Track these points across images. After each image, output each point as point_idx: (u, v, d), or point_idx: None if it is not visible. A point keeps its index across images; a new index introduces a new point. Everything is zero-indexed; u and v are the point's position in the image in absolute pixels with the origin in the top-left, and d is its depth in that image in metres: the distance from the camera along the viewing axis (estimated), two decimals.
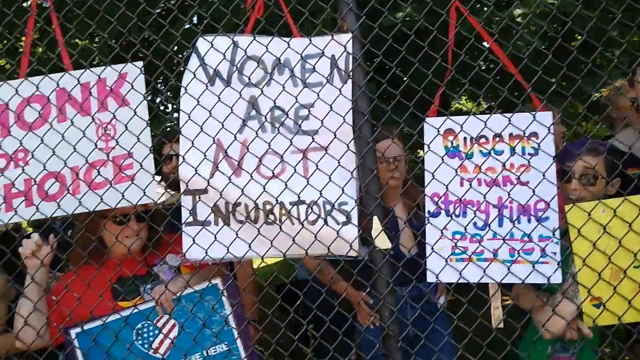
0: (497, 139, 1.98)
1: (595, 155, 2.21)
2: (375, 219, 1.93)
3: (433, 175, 1.96)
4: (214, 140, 1.98)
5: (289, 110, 2.01)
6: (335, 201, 1.94)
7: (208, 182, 1.98)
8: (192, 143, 1.98)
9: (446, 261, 1.94)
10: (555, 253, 1.91)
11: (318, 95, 1.96)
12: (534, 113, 1.94)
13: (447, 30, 2.04)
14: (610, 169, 2.17)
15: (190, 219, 2.02)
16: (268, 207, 1.98)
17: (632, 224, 1.85)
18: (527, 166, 1.95)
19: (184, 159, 1.99)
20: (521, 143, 1.96)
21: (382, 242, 1.92)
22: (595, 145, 2.25)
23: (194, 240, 2.00)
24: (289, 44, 2.02)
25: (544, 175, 1.90)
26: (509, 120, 1.94)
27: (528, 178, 1.95)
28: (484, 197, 1.94)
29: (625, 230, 1.86)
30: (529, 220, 1.96)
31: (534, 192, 1.91)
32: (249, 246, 1.96)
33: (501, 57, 1.99)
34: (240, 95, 2.01)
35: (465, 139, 2.02)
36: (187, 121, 1.99)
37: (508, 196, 1.93)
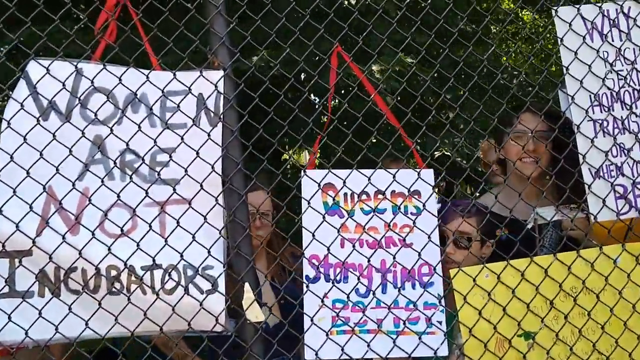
0: (380, 196, 1.86)
1: (468, 216, 2.18)
2: (247, 287, 1.68)
3: (313, 235, 1.77)
4: (44, 188, 1.59)
5: (144, 155, 1.71)
6: (200, 265, 1.67)
7: (33, 242, 1.58)
8: (14, 191, 1.57)
9: (327, 335, 1.73)
10: (441, 322, 1.81)
11: (182, 138, 1.70)
12: (418, 170, 1.85)
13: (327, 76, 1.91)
14: (484, 230, 2.15)
15: (5, 290, 1.59)
16: (113, 272, 1.64)
17: (515, 290, 1.81)
18: (411, 227, 1.85)
19: (0, 211, 1.57)
20: (404, 201, 1.86)
21: (255, 314, 1.67)
22: (466, 207, 2.23)
23: (9, 317, 1.57)
24: (147, 77, 1.74)
25: (429, 237, 1.81)
26: (393, 177, 1.83)
27: (412, 239, 1.85)
28: (368, 261, 1.79)
29: (509, 296, 1.81)
30: (414, 286, 1.84)
31: (419, 255, 1.80)
32: (86, 323, 1.58)
33: (384, 110, 1.90)
34: (83, 133, 1.66)
35: (346, 194, 1.87)
36: (8, 163, 1.59)
37: (394, 259, 1.80)
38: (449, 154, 3.87)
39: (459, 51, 4.18)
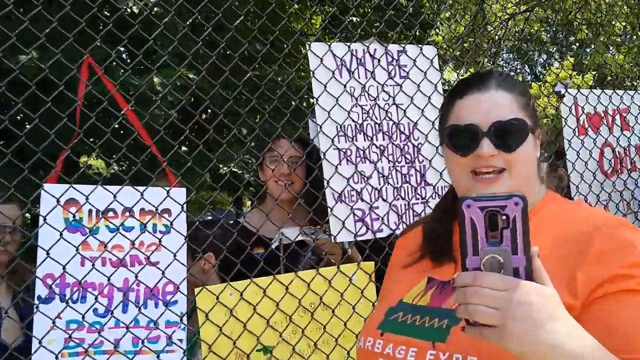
0: (127, 213, 1.90)
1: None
2: None
3: (48, 253, 1.75)
4: None
5: None
6: None
7: None
8: None
9: (57, 357, 1.72)
10: (181, 340, 1.89)
11: None
12: (168, 189, 1.93)
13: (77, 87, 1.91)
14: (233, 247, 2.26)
15: None
16: None
17: (257, 306, 1.97)
18: (158, 245, 1.91)
19: None
20: (152, 219, 1.93)
21: None
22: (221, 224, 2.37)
23: None
24: None
25: (174, 255, 1.90)
26: (141, 194, 1.89)
27: (158, 258, 1.92)
28: (109, 280, 1.82)
29: (251, 312, 1.96)
30: (157, 305, 1.91)
31: (163, 273, 1.88)
32: None
33: (136, 127, 1.95)
34: None
35: (90, 211, 1.88)
36: None
37: (136, 277, 1.85)
38: (235, 170, 4.03)
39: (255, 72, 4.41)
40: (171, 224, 1.94)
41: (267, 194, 2.44)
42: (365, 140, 2.26)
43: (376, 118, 2.28)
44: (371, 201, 2.24)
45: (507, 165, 1.19)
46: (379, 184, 2.26)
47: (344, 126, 2.22)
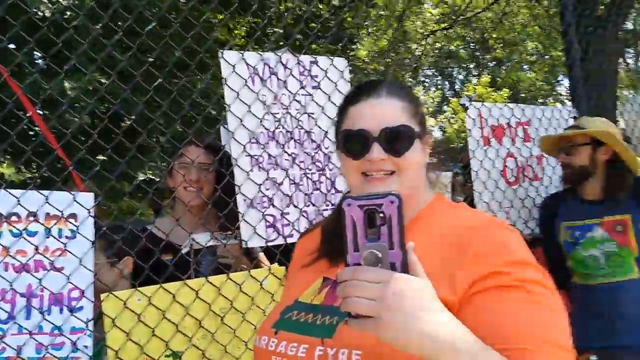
0: (32, 217, 1.88)
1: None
2: None
3: None
4: None
5: None
6: None
7: None
8: None
9: None
10: (87, 347, 1.89)
11: None
12: (74, 193, 1.93)
13: None
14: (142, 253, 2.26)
15: None
16: None
17: (166, 312, 1.99)
18: (63, 250, 1.90)
19: None
20: (58, 224, 1.91)
21: None
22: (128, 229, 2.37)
23: None
24: None
25: (80, 261, 1.89)
26: (46, 199, 1.88)
27: (64, 263, 1.91)
28: (11, 285, 1.80)
29: (160, 317, 1.98)
30: (61, 311, 1.90)
31: (68, 279, 1.87)
32: None
33: (43, 130, 1.94)
34: None
35: None
36: None
37: (39, 283, 1.83)
38: (152, 177, 4.01)
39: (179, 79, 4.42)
40: (77, 228, 1.94)
41: (177, 200, 2.46)
42: (277, 147, 2.34)
43: (288, 126, 2.37)
44: (282, 207, 2.32)
45: (396, 168, 1.29)
46: (290, 191, 2.34)
47: (256, 133, 2.29)
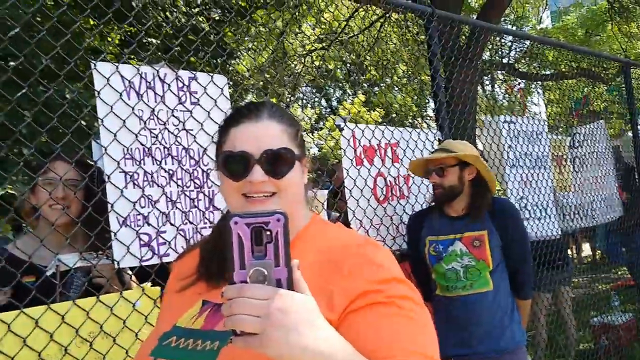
0: None
1: None
2: None
3: None
4: None
5: None
6: None
7: None
8: None
9: None
10: None
11: None
12: None
13: None
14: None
15: None
16: None
17: (27, 339, 1.85)
18: None
19: None
20: None
21: None
22: None
23: None
24: None
25: None
26: None
27: None
28: None
29: (20, 345, 1.83)
30: None
31: None
32: None
33: None
34: None
35: None
36: None
37: None
38: (13, 192, 3.73)
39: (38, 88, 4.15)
40: None
41: (41, 219, 2.31)
42: (153, 164, 2.27)
43: (165, 142, 2.31)
44: (158, 225, 2.25)
45: (277, 189, 1.31)
46: (167, 208, 2.28)
47: (131, 149, 2.21)
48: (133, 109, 2.24)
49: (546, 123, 4.32)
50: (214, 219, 2.40)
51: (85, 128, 2.43)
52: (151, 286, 2.19)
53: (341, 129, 3.03)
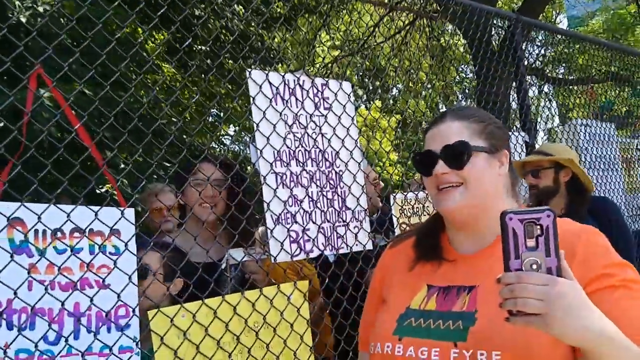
0: (77, 234, 1.81)
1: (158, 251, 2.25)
2: None
3: None
4: None
5: None
6: None
7: None
8: None
9: None
10: None
11: None
12: (122, 209, 1.89)
13: None
14: (167, 268, 2.23)
15: None
16: None
17: (208, 328, 1.98)
18: (108, 267, 1.85)
19: None
20: (104, 241, 1.86)
21: None
22: (162, 242, 2.35)
23: None
24: None
25: (130, 277, 1.85)
26: (96, 214, 1.82)
27: (110, 281, 1.85)
28: (62, 304, 1.72)
29: (202, 334, 1.97)
30: (109, 330, 1.84)
31: (119, 296, 1.82)
32: None
33: (87, 143, 1.89)
34: None
35: (37, 231, 1.76)
36: None
37: (91, 302, 1.77)
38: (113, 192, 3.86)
39: (117, 91, 4.27)
40: (126, 245, 1.89)
41: (191, 217, 2.46)
42: (297, 165, 2.41)
43: (306, 145, 2.46)
44: (304, 224, 2.39)
45: (463, 180, 1.47)
46: (310, 208, 2.42)
47: (280, 152, 2.36)
48: (280, 114, 2.38)
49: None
50: (346, 218, 2.54)
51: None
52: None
53: None
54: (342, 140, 2.58)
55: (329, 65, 12.17)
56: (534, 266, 1.11)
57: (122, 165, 4.16)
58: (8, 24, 1.78)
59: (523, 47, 4.01)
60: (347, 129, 2.61)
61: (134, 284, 1.88)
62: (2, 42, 1.75)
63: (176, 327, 1.93)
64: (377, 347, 1.42)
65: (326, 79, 2.60)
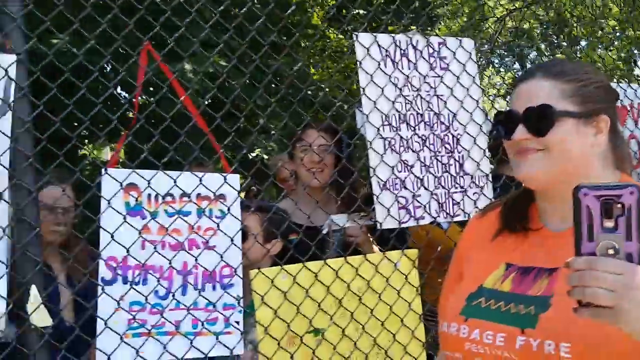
0: (185, 198, 1.94)
1: (258, 214, 2.31)
2: (33, 289, 1.64)
3: (112, 236, 1.78)
4: None
5: None
6: None
7: None
8: None
9: (121, 338, 1.76)
10: (238, 322, 1.94)
11: None
12: (225, 175, 1.97)
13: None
14: (267, 230, 2.29)
15: None
16: None
17: (309, 290, 2.01)
18: (214, 229, 1.95)
19: None
20: (209, 205, 1.96)
21: (40, 318, 1.64)
22: (263, 205, 2.43)
23: None
24: None
25: (232, 240, 1.94)
26: (200, 180, 1.93)
27: (215, 242, 1.96)
28: (170, 263, 1.86)
29: (303, 296, 2.01)
30: (214, 288, 1.95)
31: (221, 257, 1.92)
32: None
33: (194, 113, 1.99)
34: None
35: (150, 196, 1.91)
36: None
37: (196, 261, 1.89)
38: (264, 155, 4.09)
39: (266, 61, 4.45)
40: (228, 209, 1.98)
41: (298, 182, 2.51)
42: (408, 130, 2.31)
43: (418, 108, 2.34)
44: (414, 190, 2.29)
45: (544, 147, 1.24)
46: (421, 173, 2.32)
47: (389, 116, 2.27)
48: (390, 77, 2.29)
49: None
50: (464, 184, 2.39)
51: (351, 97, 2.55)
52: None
53: None
54: (461, 101, 2.41)
55: (503, 18, 11.39)
56: (611, 251, 0.93)
57: (273, 132, 4.35)
58: None
59: None
60: (467, 89, 2.42)
61: (236, 246, 1.97)
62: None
63: (276, 288, 2.00)
64: (444, 326, 1.32)
65: (443, 38, 2.43)
